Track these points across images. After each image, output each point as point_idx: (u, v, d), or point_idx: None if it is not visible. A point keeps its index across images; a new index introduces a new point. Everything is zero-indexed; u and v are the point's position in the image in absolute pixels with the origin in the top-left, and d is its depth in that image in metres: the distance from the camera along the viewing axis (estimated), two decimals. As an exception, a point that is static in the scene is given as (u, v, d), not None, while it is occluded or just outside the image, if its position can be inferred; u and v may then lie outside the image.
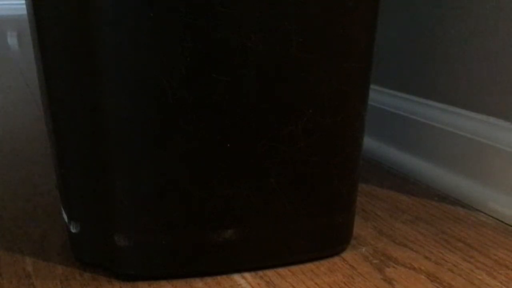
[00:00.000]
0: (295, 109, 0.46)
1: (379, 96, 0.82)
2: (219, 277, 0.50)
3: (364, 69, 0.48)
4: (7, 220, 0.61)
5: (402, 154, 0.77)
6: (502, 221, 0.61)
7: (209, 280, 0.49)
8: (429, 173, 0.72)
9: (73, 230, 0.50)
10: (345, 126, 0.48)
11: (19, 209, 0.63)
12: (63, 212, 0.51)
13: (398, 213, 0.63)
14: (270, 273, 0.51)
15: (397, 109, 0.78)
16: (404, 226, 0.60)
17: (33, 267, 0.51)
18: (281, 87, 0.45)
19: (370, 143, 0.83)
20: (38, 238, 0.56)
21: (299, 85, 0.45)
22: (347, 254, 0.54)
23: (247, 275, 0.50)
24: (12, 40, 2.15)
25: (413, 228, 0.60)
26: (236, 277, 0.50)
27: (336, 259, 0.53)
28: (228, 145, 0.45)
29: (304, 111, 0.46)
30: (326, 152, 0.48)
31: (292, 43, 0.44)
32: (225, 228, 0.48)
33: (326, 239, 0.52)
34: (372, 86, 0.84)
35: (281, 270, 0.51)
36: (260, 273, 0.51)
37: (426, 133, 0.72)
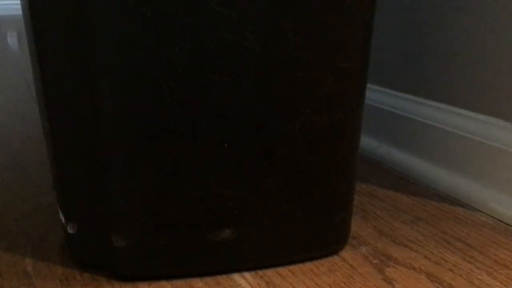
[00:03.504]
0: (292, 108, 0.46)
1: (379, 96, 0.82)
2: (219, 277, 0.50)
3: (360, 68, 0.48)
4: (7, 220, 0.61)
5: (402, 154, 0.77)
6: (502, 221, 0.61)
7: (209, 280, 0.49)
8: (429, 173, 0.72)
9: (70, 231, 0.49)
10: (342, 125, 0.48)
11: (19, 209, 0.63)
12: (60, 213, 0.51)
13: (398, 213, 0.63)
14: (270, 273, 0.51)
15: (397, 109, 0.78)
16: (404, 226, 0.60)
17: (33, 267, 0.51)
18: (278, 87, 0.45)
19: (370, 143, 0.83)
20: (38, 238, 0.56)
21: (296, 85, 0.45)
22: (347, 254, 0.54)
23: (247, 275, 0.50)
24: (12, 40, 2.15)
25: (413, 228, 0.60)
26: (236, 277, 0.50)
27: (336, 259, 0.53)
28: (226, 145, 0.45)
29: (301, 111, 0.46)
30: (323, 151, 0.48)
31: (289, 42, 0.44)
32: (223, 228, 0.48)
33: (323, 239, 0.52)
34: (372, 86, 0.84)
35: (281, 270, 0.51)
36: (260, 273, 0.51)
37: (426, 133, 0.72)
